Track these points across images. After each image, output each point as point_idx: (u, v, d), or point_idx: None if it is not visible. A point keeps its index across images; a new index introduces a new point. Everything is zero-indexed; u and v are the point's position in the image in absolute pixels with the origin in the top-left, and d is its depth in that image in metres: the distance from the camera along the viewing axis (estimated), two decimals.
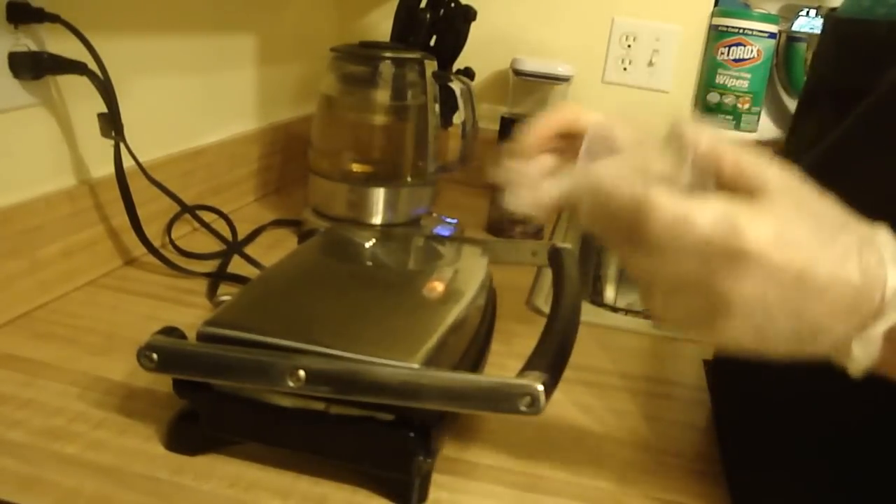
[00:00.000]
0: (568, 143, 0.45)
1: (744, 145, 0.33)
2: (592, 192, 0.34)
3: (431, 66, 0.80)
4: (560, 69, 0.96)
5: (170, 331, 0.43)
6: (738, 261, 0.30)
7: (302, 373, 0.39)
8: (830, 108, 0.48)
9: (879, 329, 0.30)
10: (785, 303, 0.30)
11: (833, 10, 0.53)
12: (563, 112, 0.46)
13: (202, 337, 0.42)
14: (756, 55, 1.09)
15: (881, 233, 0.32)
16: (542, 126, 0.46)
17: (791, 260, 0.30)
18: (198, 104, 0.84)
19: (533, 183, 0.44)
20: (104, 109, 0.62)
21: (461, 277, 0.52)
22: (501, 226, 0.93)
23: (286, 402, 0.42)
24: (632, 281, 0.36)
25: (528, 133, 0.46)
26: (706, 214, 0.31)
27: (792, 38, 1.13)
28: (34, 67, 0.57)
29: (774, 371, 0.36)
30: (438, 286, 0.49)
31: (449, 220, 0.86)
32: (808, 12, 1.17)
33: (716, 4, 1.12)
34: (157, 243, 0.70)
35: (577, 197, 0.36)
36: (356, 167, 0.82)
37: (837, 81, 0.48)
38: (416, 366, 0.40)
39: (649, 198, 0.31)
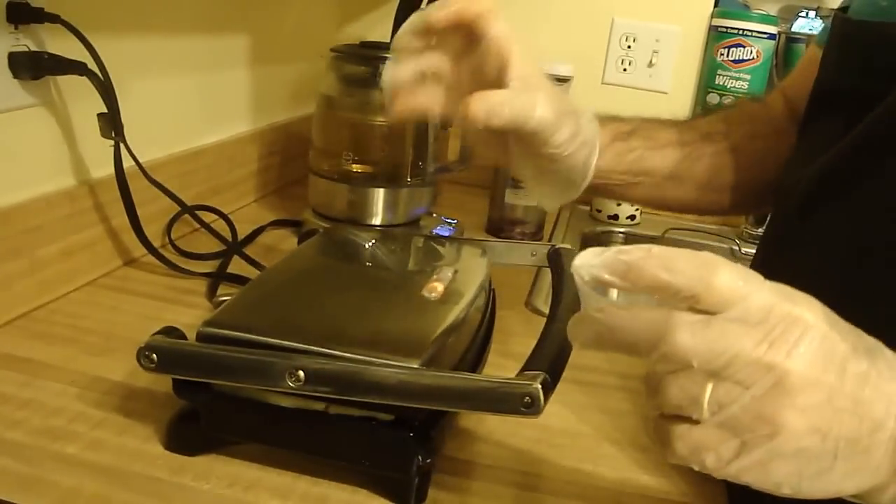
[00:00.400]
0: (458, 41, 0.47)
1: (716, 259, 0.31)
2: (647, 262, 0.31)
3: None
4: (560, 70, 0.96)
5: (169, 331, 0.43)
6: (795, 329, 0.30)
7: (301, 373, 0.39)
8: (842, 113, 0.47)
9: None
10: (843, 384, 0.30)
11: (843, 10, 0.52)
12: (471, 7, 0.47)
13: (202, 337, 0.42)
14: (755, 56, 1.09)
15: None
16: (451, 14, 0.46)
17: (843, 337, 0.30)
18: (198, 104, 0.84)
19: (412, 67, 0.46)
20: (104, 109, 0.62)
21: (461, 278, 0.52)
22: (501, 226, 0.93)
23: (286, 403, 0.42)
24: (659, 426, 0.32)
25: (434, 16, 0.46)
26: (767, 286, 0.31)
27: (791, 39, 1.13)
28: (34, 68, 0.57)
29: None
30: (438, 287, 0.49)
31: (449, 220, 0.86)
32: (807, 13, 1.17)
33: (715, 5, 1.12)
34: (156, 244, 0.70)
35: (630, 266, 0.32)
36: (356, 167, 0.82)
37: (850, 86, 0.47)
38: (415, 366, 0.40)
39: (713, 258, 0.31)
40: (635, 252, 0.31)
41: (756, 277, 0.31)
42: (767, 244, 0.55)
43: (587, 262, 0.32)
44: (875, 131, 0.42)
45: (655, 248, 0.31)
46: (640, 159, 0.58)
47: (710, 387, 0.30)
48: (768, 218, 0.58)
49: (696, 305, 0.30)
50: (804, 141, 0.54)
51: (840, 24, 0.50)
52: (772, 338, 0.29)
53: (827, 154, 0.46)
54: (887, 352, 0.31)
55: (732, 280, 0.30)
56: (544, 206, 0.56)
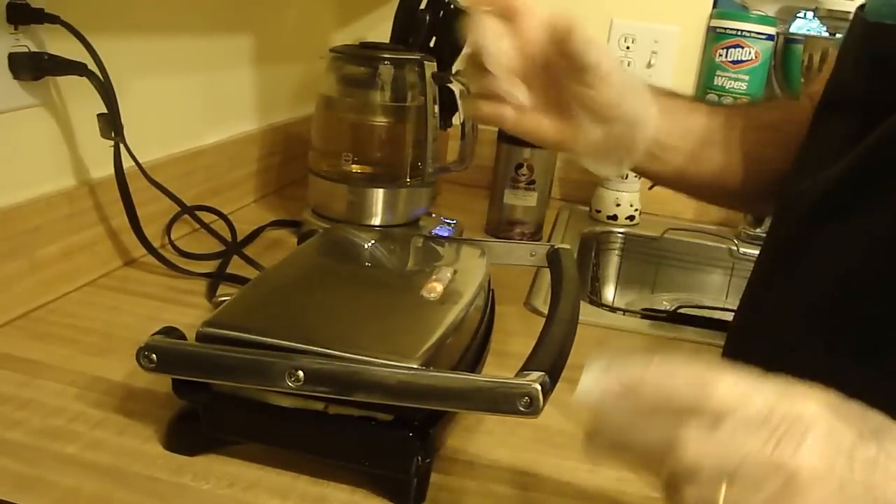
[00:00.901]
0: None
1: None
2: (647, 381, 0.32)
3: (431, 67, 0.80)
4: None
5: (169, 331, 0.43)
6: (800, 425, 0.30)
7: (301, 373, 0.39)
8: (855, 117, 0.46)
9: None
10: (853, 472, 0.30)
11: (860, 8, 0.50)
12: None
13: (201, 337, 0.42)
14: (754, 57, 1.09)
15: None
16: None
17: (848, 425, 0.31)
18: (197, 105, 0.84)
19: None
20: (104, 110, 0.62)
21: (460, 278, 0.52)
22: (500, 227, 0.93)
23: (285, 403, 0.42)
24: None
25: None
26: (767, 387, 0.31)
27: (789, 40, 1.13)
28: (34, 68, 0.57)
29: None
30: (437, 287, 0.49)
31: (448, 220, 0.87)
32: (805, 14, 1.17)
33: (714, 6, 1.12)
34: (156, 244, 0.70)
35: (617, 400, 0.33)
36: (355, 168, 0.82)
37: (864, 90, 0.47)
38: (414, 366, 0.40)
39: (709, 371, 0.32)
40: (632, 372, 0.32)
41: (754, 378, 0.32)
42: (772, 250, 0.54)
43: (588, 388, 0.33)
44: (889, 140, 0.42)
45: (652, 370, 0.32)
46: (687, 117, 0.58)
47: (723, 489, 0.31)
48: (771, 221, 0.57)
49: (699, 414, 0.31)
50: (813, 142, 0.53)
51: (858, 24, 0.49)
52: (777, 436, 0.30)
53: (837, 163, 0.45)
54: (895, 428, 0.32)
55: (731, 388, 0.31)
56: (607, 173, 0.59)
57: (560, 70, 0.52)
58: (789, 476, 0.29)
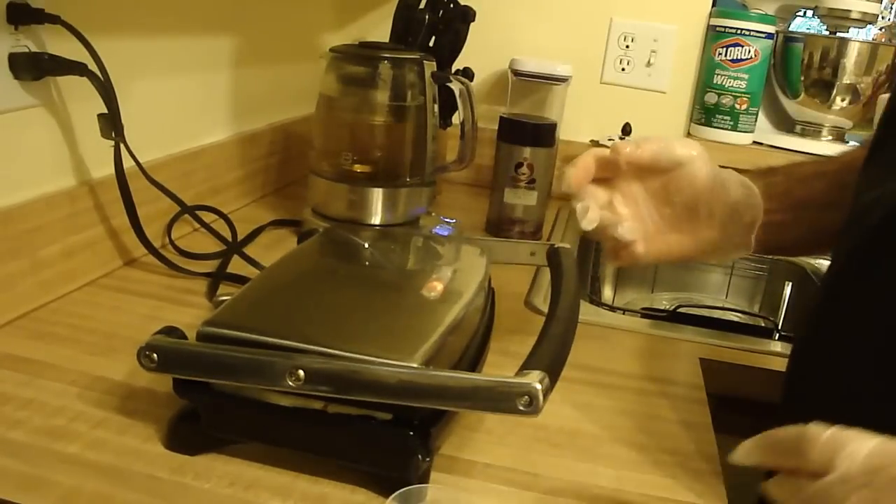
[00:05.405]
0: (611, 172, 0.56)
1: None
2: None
3: (430, 66, 0.80)
4: (558, 69, 0.96)
5: (170, 331, 0.43)
6: None
7: (301, 372, 0.39)
8: None
9: None
10: None
11: None
12: (595, 154, 0.55)
13: (202, 337, 0.42)
14: (754, 56, 1.09)
15: None
16: (582, 166, 0.55)
17: None
18: (197, 104, 0.84)
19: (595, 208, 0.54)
20: (104, 110, 0.62)
21: (460, 277, 0.52)
22: (500, 226, 0.93)
23: (285, 402, 0.42)
24: None
25: (571, 174, 0.55)
26: (865, 438, 0.33)
27: (789, 39, 1.13)
28: (34, 68, 0.57)
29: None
30: (437, 286, 0.49)
31: (448, 220, 0.87)
32: (804, 13, 1.17)
33: (713, 5, 1.12)
34: (157, 244, 0.70)
35: None
36: (355, 167, 0.82)
37: None
38: (414, 365, 0.40)
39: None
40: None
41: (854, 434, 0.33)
42: (840, 262, 0.51)
43: None
44: None
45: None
46: (787, 193, 0.58)
47: None
48: (840, 232, 0.53)
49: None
50: (881, 152, 0.50)
51: None
52: (876, 487, 0.32)
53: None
54: None
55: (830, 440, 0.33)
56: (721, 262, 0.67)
57: (661, 189, 0.57)
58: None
